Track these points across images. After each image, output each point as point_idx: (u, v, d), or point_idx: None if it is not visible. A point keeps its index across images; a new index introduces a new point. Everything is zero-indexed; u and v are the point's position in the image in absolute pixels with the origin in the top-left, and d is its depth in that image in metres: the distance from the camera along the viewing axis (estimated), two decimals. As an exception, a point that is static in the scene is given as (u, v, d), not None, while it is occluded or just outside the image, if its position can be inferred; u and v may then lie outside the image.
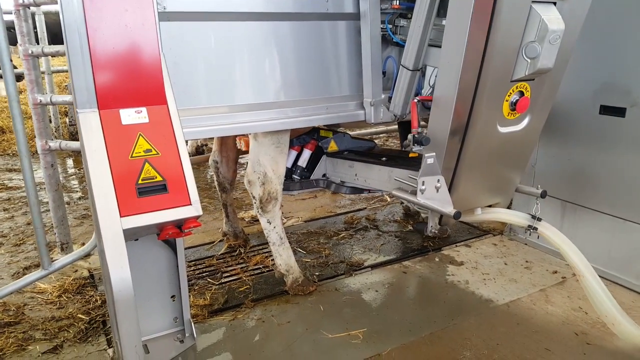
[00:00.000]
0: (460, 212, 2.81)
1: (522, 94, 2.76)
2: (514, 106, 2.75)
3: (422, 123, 3.09)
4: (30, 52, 3.67)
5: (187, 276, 3.67)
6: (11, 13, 3.71)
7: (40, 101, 3.75)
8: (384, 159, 3.42)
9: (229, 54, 2.78)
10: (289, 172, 3.72)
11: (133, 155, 2.21)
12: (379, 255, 4.08)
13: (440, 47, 2.70)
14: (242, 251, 4.11)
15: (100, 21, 2.17)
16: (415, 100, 2.86)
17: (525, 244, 4.22)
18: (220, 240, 4.31)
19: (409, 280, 3.69)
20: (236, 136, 3.89)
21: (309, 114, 3.03)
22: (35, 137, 3.79)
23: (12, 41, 4.20)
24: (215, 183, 4.09)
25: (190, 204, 2.26)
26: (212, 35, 2.73)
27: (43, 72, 6.33)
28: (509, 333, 3.00)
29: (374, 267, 3.88)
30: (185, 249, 4.17)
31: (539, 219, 2.99)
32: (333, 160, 3.78)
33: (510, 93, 2.72)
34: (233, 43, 2.78)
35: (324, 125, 4.00)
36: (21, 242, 4.46)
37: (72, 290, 3.51)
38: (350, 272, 3.77)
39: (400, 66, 2.95)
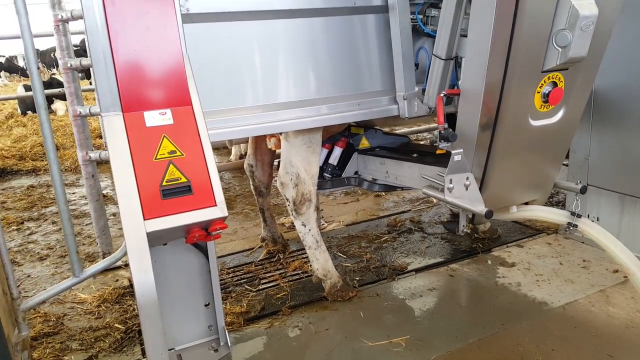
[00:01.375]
0: (492, 211, 2.63)
1: (555, 84, 2.55)
2: (546, 98, 2.55)
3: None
4: (69, 65, 3.75)
5: (225, 283, 3.64)
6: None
7: (80, 113, 3.81)
8: (415, 155, 3.27)
9: (254, 54, 2.71)
10: (320, 171, 3.62)
11: (157, 157, 2.16)
12: (424, 258, 3.89)
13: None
14: (281, 257, 4.02)
15: (122, 24, 2.15)
16: (442, 95, 2.71)
17: (583, 242, 3.92)
18: (260, 247, 4.24)
19: (456, 284, 3.49)
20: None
21: (341, 111, 2.92)
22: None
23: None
24: (252, 187, 4.03)
25: (216, 205, 2.19)
26: (237, 36, 2.66)
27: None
28: (565, 337, 2.76)
29: (418, 270, 3.70)
30: (224, 255, 4.15)
31: (579, 216, 2.76)
32: (365, 157, 3.64)
33: (542, 84, 2.53)
34: (258, 42, 2.71)
35: (356, 122, 3.88)
36: (66, 253, 4.54)
37: (111, 299, 3.52)
38: (393, 277, 3.60)
39: (433, 56, 2.79)
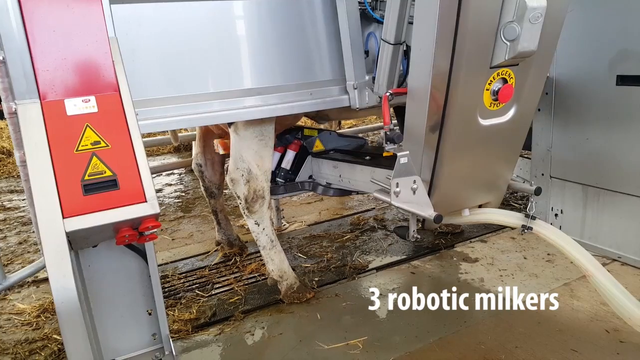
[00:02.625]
0: (442, 215, 2.50)
1: (505, 81, 2.42)
2: (496, 95, 2.42)
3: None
4: (0, 58, 3.48)
5: (175, 289, 3.42)
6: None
7: (15, 110, 3.54)
8: (367, 158, 3.12)
9: (193, 38, 2.51)
10: (272, 176, 3.43)
11: (79, 149, 1.95)
12: (386, 256, 3.74)
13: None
14: (238, 260, 3.81)
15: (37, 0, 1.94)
16: (387, 94, 2.57)
17: (547, 236, 3.83)
18: (216, 250, 4.03)
19: (418, 281, 3.35)
20: (221, 137, 3.64)
21: (291, 100, 2.74)
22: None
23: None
24: (202, 188, 3.82)
25: (146, 201, 1.97)
26: (174, 18, 2.47)
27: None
28: (529, 334, 2.63)
29: (379, 269, 3.54)
30: (177, 260, 3.93)
31: (534, 218, 2.64)
32: (318, 161, 3.47)
33: (491, 81, 2.39)
34: (198, 25, 2.51)
35: (312, 121, 3.72)
36: (9, 262, 4.25)
37: (52, 309, 3.26)
38: (353, 276, 3.44)
39: (381, 41, 2.64)
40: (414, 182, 2.49)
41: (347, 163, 3.19)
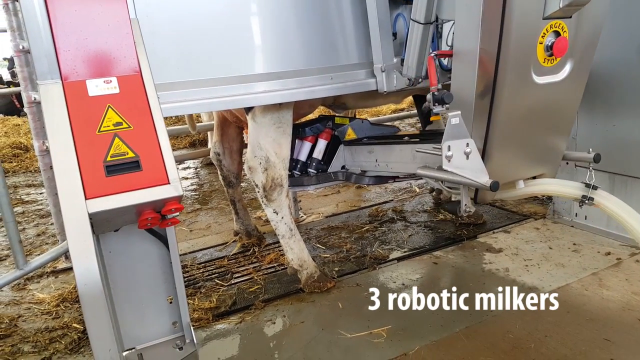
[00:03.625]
0: (498, 183, 2.29)
1: (558, 34, 2.29)
2: (550, 50, 2.29)
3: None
4: (21, 47, 3.48)
5: (195, 279, 3.39)
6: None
7: (35, 99, 3.54)
8: (406, 138, 3.03)
9: (214, 21, 2.46)
10: (304, 166, 3.37)
11: (101, 130, 1.91)
12: (407, 246, 3.68)
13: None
14: (256, 250, 3.78)
15: (60, -18, 1.91)
16: (433, 55, 2.45)
17: (572, 226, 3.74)
18: (234, 241, 4.00)
19: (440, 271, 3.28)
20: (239, 126, 3.60)
21: (311, 85, 2.68)
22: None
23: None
24: (220, 177, 3.79)
25: (169, 183, 1.93)
26: (194, 1, 2.43)
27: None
28: (558, 323, 2.55)
29: (400, 259, 3.48)
30: (196, 251, 3.90)
31: (595, 187, 2.46)
32: (351, 149, 3.38)
33: (544, 34, 2.26)
34: (218, 8, 2.47)
35: (337, 110, 3.67)
36: (28, 253, 4.25)
37: (71, 299, 3.25)
38: (374, 266, 3.38)
39: (411, 21, 2.57)
40: (467, 145, 2.28)
41: (383, 145, 3.08)
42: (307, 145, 3.38)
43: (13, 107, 11.87)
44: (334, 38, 2.76)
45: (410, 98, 4.40)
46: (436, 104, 2.30)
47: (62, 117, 1.88)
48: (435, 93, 2.30)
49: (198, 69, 2.45)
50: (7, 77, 14.34)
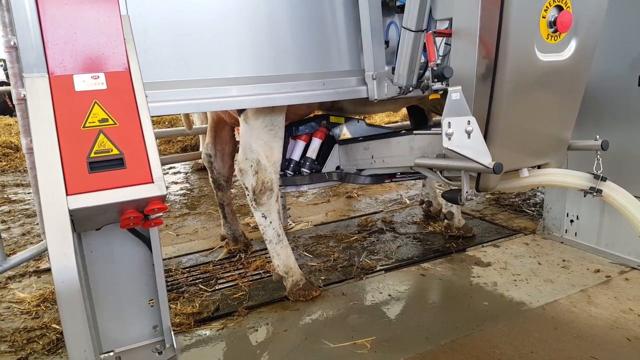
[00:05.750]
0: (502, 165, 2.10)
1: (560, 8, 2.20)
2: (554, 25, 2.20)
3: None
4: (12, 43, 3.44)
5: (178, 283, 3.33)
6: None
7: (24, 96, 3.49)
8: (403, 132, 2.97)
9: (207, 21, 2.44)
10: (297, 166, 3.33)
11: (86, 125, 1.88)
12: (395, 257, 3.64)
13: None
14: (242, 256, 3.72)
15: (50, -25, 1.89)
16: (431, 32, 2.33)
17: (562, 242, 3.73)
18: (220, 246, 3.95)
19: (428, 283, 3.24)
20: (233, 128, 3.57)
21: (303, 90, 2.66)
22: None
23: None
24: (210, 180, 3.74)
25: (153, 182, 1.89)
26: (188, 0, 2.41)
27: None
28: (545, 339, 2.52)
29: (388, 270, 3.44)
30: (181, 255, 3.85)
31: (604, 179, 2.27)
32: (346, 147, 3.31)
33: (547, 8, 2.17)
34: (211, 8, 2.45)
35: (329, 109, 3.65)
36: (12, 252, 4.17)
37: (52, 299, 3.18)
38: (361, 276, 3.34)
39: (402, 29, 2.55)
40: (469, 122, 2.13)
41: (380, 140, 2.99)
42: (301, 144, 3.32)
43: (6, 106, 11.80)
44: (327, 44, 2.75)
45: (404, 110, 4.40)
46: (435, 80, 2.20)
47: (47, 111, 1.85)
48: (435, 68, 2.21)
49: (190, 69, 2.42)
50: (2, 77, 14.28)
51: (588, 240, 3.61)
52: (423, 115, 4.08)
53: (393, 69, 2.70)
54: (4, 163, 7.82)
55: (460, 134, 2.14)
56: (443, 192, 2.53)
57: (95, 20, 1.97)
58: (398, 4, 2.72)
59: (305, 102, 2.70)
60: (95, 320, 2.11)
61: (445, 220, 4.07)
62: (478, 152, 2.12)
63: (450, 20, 2.31)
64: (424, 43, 2.54)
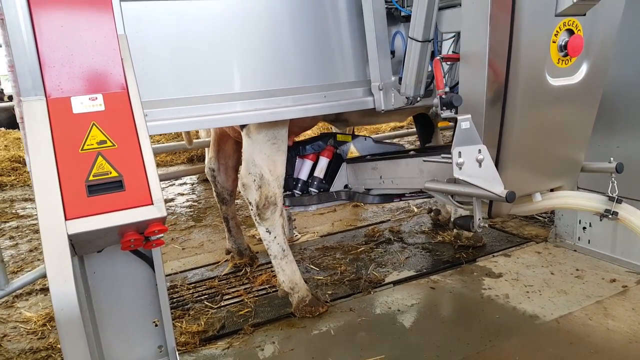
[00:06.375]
0: (515, 193, 2.07)
1: (571, 32, 2.16)
2: (564, 50, 2.16)
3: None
4: (13, 63, 3.44)
5: (184, 300, 3.30)
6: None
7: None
8: (412, 152, 2.92)
9: (207, 37, 2.41)
10: (305, 185, 3.27)
11: (84, 148, 1.84)
12: (403, 269, 3.58)
13: (454, 6, 2.26)
14: (248, 270, 3.68)
15: (45, -4, 1.87)
16: (438, 58, 2.31)
17: (575, 251, 3.64)
18: (226, 260, 3.91)
19: (438, 297, 3.17)
20: (236, 141, 3.54)
21: (305, 103, 2.61)
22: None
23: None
24: (214, 194, 3.71)
25: (152, 204, 1.85)
26: (187, 15, 2.37)
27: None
28: (560, 355, 2.44)
29: (396, 283, 3.38)
30: (186, 270, 3.82)
31: (620, 201, 2.23)
32: (354, 166, 3.26)
33: (557, 32, 2.14)
34: (212, 24, 2.41)
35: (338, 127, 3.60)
36: (19, 269, 4.17)
37: (57, 318, 3.15)
38: (369, 290, 3.28)
39: (409, 39, 2.51)
40: (479, 151, 2.08)
41: (388, 160, 2.95)
42: (308, 163, 3.28)
43: (15, 120, 11.91)
44: (332, 56, 2.70)
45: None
46: (444, 107, 2.15)
47: (45, 135, 1.83)
48: (443, 96, 2.17)
49: (190, 86, 2.38)
50: (9, 91, 14.44)
51: (602, 248, 3.52)
52: (429, 122, 4.02)
53: (400, 78, 2.66)
54: (13, 177, 7.85)
55: (471, 163, 2.09)
56: (455, 218, 2.50)
57: (92, 41, 1.94)
58: (403, 14, 2.68)
59: (308, 115, 2.65)
60: (100, 341, 2.07)
61: (455, 230, 4.00)
62: (490, 181, 2.09)
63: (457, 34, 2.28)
64: (432, 52, 2.50)
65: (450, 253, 3.79)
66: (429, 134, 4.00)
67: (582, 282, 3.19)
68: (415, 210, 4.91)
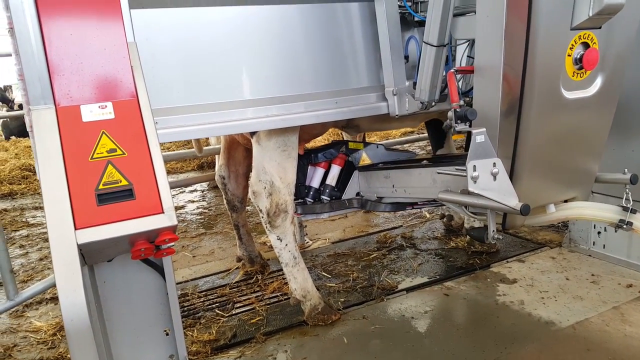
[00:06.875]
0: (529, 206, 2.09)
1: (587, 45, 2.16)
2: (579, 63, 2.15)
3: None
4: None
5: (195, 308, 3.27)
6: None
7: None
8: (424, 162, 2.90)
9: (216, 44, 2.39)
10: (317, 193, 3.25)
11: (94, 157, 1.83)
12: (416, 276, 3.54)
13: (468, 14, 2.23)
14: (259, 278, 3.65)
15: (54, 4, 1.87)
16: (453, 71, 2.30)
17: (590, 255, 3.58)
18: (237, 268, 3.88)
19: (452, 304, 3.13)
20: (246, 148, 3.52)
21: (316, 109, 2.59)
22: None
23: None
24: (224, 201, 3.69)
25: (163, 212, 1.83)
26: (197, 23, 2.37)
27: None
28: (578, 363, 2.40)
29: (409, 290, 3.34)
30: (197, 278, 3.80)
31: (634, 211, 2.24)
32: (366, 175, 3.24)
33: (573, 45, 2.13)
34: (221, 30, 2.40)
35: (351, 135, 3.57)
36: (29, 278, 4.18)
37: (68, 327, 3.14)
38: (382, 297, 3.24)
39: (423, 44, 2.48)
40: (494, 164, 2.09)
41: (401, 170, 2.93)
42: (320, 171, 3.26)
43: (26, 129, 11.98)
44: (344, 61, 2.68)
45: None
46: (458, 121, 2.15)
47: (54, 144, 1.82)
48: (458, 110, 2.16)
49: (200, 93, 2.37)
50: (19, 99, 14.58)
51: (618, 253, 3.46)
52: (441, 127, 3.98)
53: (414, 83, 2.63)
54: (24, 186, 7.89)
55: (486, 177, 2.09)
56: (468, 230, 2.49)
57: (101, 49, 1.93)
58: (416, 19, 2.65)
59: (320, 122, 2.62)
60: (110, 352, 2.06)
61: (468, 235, 3.95)
62: (504, 193, 2.09)
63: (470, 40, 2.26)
64: (447, 57, 2.48)
65: (463, 259, 3.74)
66: (441, 139, 3.96)
67: (598, 287, 3.13)
68: (428, 216, 4.86)
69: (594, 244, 3.63)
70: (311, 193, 3.22)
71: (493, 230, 2.25)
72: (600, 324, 2.72)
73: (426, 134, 4.58)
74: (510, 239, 4.05)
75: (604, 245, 3.56)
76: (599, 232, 3.59)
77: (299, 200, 3.23)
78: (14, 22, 1.82)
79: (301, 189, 3.22)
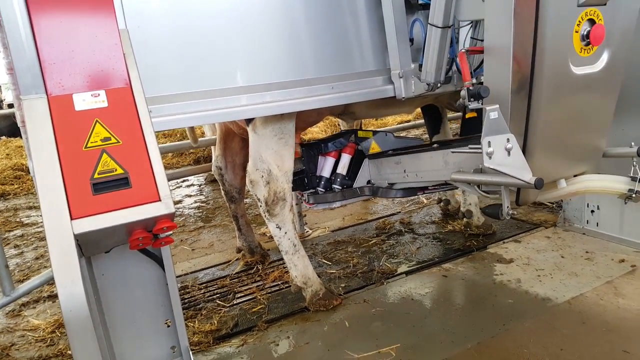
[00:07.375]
0: (543, 180, 2.10)
1: (593, 22, 2.21)
2: (586, 39, 2.21)
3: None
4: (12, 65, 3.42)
5: (196, 300, 3.28)
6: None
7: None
8: (435, 145, 2.90)
9: (211, 29, 2.35)
10: (328, 182, 3.26)
11: (88, 146, 1.81)
12: (415, 259, 3.56)
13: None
14: (260, 268, 3.66)
15: (44, -9, 1.84)
16: (464, 51, 2.33)
17: (584, 234, 3.62)
18: (237, 259, 3.89)
19: (450, 284, 3.15)
20: (242, 138, 3.51)
21: (322, 93, 2.55)
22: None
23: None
24: (222, 192, 3.69)
25: (160, 200, 1.82)
26: (189, 9, 2.34)
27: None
28: (574, 335, 2.43)
29: (408, 273, 3.36)
30: (197, 270, 3.80)
31: None
32: (376, 162, 3.25)
33: (580, 22, 2.18)
34: (216, 15, 2.36)
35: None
36: (25, 277, 4.16)
37: (68, 323, 3.13)
38: (382, 281, 3.26)
39: (429, 25, 2.48)
40: (508, 140, 2.11)
41: (412, 154, 2.94)
42: (331, 160, 3.26)
43: (16, 128, 11.90)
44: (349, 45, 2.66)
45: (418, 109, 4.31)
46: (471, 99, 2.16)
47: (47, 134, 1.79)
48: (470, 88, 2.18)
49: (194, 80, 2.35)
50: (9, 99, 14.47)
51: (610, 230, 3.50)
52: (437, 113, 3.99)
53: (419, 65, 2.63)
54: (16, 186, 7.85)
55: (501, 152, 2.11)
56: (483, 207, 2.50)
57: (92, 36, 1.91)
58: (420, 2, 2.64)
59: (324, 106, 2.60)
60: (111, 344, 2.05)
61: (465, 219, 3.97)
62: (519, 168, 2.11)
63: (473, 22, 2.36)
64: (452, 38, 2.48)
65: (460, 241, 3.77)
66: (437, 125, 3.98)
67: (592, 263, 3.16)
68: (425, 201, 4.88)
69: (587, 223, 3.66)
70: (322, 183, 3.23)
71: (507, 206, 2.28)
72: (594, 298, 2.75)
73: (422, 121, 4.59)
74: (506, 221, 4.07)
75: (597, 223, 3.59)
76: (592, 211, 3.62)
77: (311, 190, 3.24)
78: (1, 10, 1.79)
79: (312, 179, 3.23)
